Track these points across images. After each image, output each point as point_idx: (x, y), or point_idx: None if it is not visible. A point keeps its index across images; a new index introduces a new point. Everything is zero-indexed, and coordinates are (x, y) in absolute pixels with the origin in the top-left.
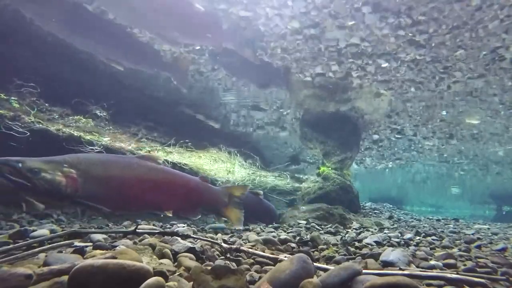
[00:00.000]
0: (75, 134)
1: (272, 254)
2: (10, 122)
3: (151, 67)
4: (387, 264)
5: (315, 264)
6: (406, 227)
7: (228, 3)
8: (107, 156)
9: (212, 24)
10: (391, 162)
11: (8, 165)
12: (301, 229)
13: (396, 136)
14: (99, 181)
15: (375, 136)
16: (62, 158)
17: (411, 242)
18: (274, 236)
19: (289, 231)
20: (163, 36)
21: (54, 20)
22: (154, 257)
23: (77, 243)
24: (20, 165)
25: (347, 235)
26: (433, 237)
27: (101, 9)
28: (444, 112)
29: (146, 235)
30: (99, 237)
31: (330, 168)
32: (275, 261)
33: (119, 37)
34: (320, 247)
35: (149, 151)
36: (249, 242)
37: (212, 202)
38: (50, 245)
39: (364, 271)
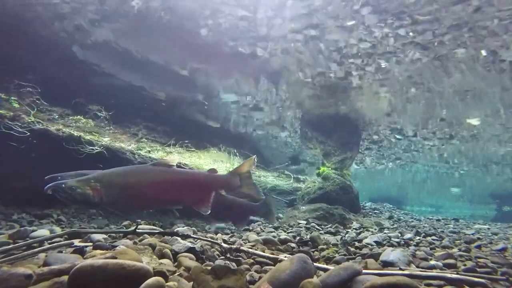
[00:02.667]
0: (75, 134)
1: (272, 254)
2: (10, 122)
3: (186, 91)
4: (387, 264)
5: (315, 264)
6: (406, 227)
7: (227, 4)
8: (127, 168)
9: (217, 50)
10: (391, 162)
11: (58, 188)
12: (301, 229)
13: (396, 136)
14: (118, 189)
15: (375, 136)
16: (92, 175)
17: (411, 242)
18: (274, 236)
19: (289, 231)
20: (180, 63)
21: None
22: (154, 257)
23: (77, 243)
24: (63, 185)
25: (347, 235)
26: (433, 237)
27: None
28: (444, 112)
29: (146, 235)
30: (99, 237)
31: (330, 168)
32: (275, 261)
33: (160, 70)
34: (320, 247)
35: (149, 151)
36: (249, 242)
37: (225, 188)
38: (50, 245)
39: (364, 271)
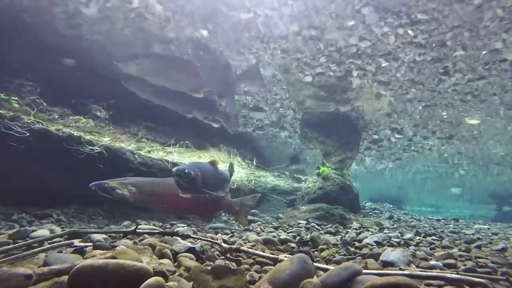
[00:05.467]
0: (75, 134)
1: (272, 254)
2: (10, 122)
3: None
4: (387, 264)
5: (315, 264)
6: (406, 227)
7: (228, 6)
8: (154, 179)
9: (191, 70)
10: (391, 162)
11: (101, 186)
12: (301, 229)
13: (396, 136)
14: (147, 194)
15: (375, 136)
16: (128, 180)
17: (411, 242)
18: (274, 236)
19: (289, 231)
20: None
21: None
22: (154, 257)
23: (77, 243)
24: (106, 185)
25: (347, 235)
26: (433, 237)
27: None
28: (444, 112)
29: (146, 235)
30: (99, 237)
31: (330, 168)
32: (275, 261)
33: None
34: (320, 247)
35: (149, 151)
36: (249, 242)
37: (226, 210)
38: (50, 245)
39: (364, 271)
